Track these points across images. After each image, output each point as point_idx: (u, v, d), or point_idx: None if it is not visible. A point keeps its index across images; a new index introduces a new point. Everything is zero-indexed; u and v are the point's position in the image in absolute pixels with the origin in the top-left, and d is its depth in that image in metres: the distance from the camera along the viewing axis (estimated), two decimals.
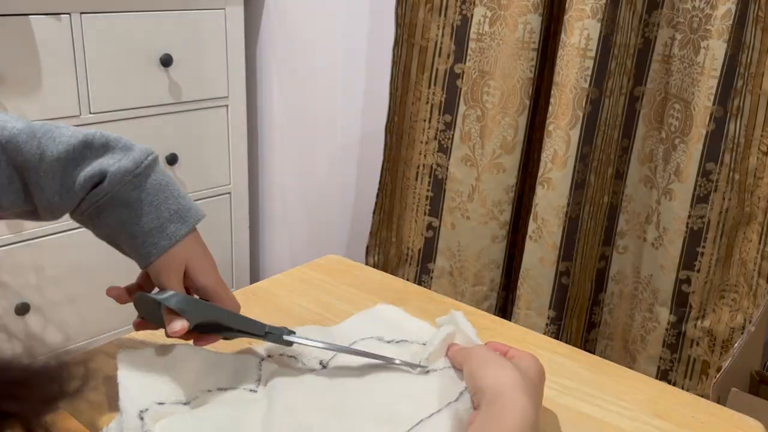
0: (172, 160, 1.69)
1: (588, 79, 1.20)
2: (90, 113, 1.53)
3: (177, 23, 1.63)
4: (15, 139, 0.62)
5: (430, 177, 1.47)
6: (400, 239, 1.56)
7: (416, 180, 1.50)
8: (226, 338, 0.70)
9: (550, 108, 1.26)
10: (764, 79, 1.13)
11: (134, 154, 0.66)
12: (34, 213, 0.67)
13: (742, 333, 1.20)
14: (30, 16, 1.40)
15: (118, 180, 0.65)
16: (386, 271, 1.50)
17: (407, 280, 1.41)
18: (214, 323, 0.67)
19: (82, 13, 1.47)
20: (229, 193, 1.86)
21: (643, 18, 1.22)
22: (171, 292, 0.66)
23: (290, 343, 0.68)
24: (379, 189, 1.55)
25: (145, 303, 0.69)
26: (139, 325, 0.72)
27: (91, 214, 0.66)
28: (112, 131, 1.65)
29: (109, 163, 0.65)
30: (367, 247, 1.59)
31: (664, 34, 1.22)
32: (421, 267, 1.53)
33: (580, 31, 1.19)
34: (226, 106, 1.79)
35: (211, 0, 1.68)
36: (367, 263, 1.58)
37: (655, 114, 1.26)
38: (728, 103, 1.14)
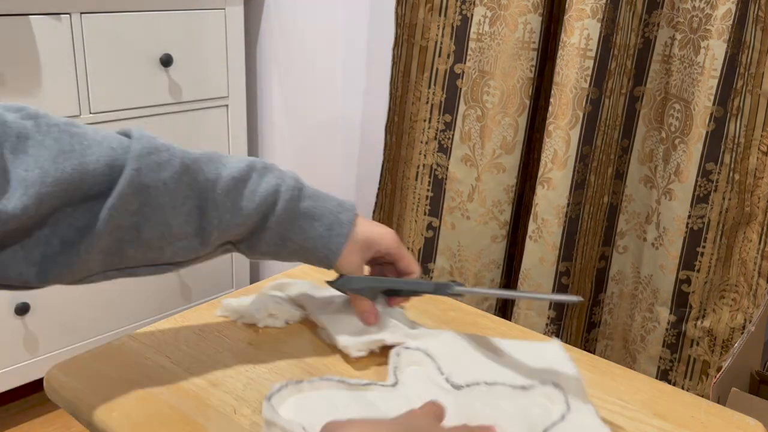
0: None
1: (588, 79, 1.21)
2: (90, 113, 1.53)
3: (177, 23, 1.63)
4: (198, 161, 0.69)
5: (430, 177, 1.47)
6: (400, 239, 1.56)
7: (416, 180, 1.50)
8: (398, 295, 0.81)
9: (550, 108, 1.26)
10: (764, 79, 1.13)
11: (289, 174, 0.77)
12: (198, 237, 0.70)
13: (742, 333, 1.20)
14: (30, 16, 1.40)
15: (291, 195, 0.74)
16: None
17: None
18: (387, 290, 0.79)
19: (82, 13, 1.47)
20: None
21: (643, 18, 1.22)
22: (342, 279, 0.77)
23: (459, 294, 0.77)
24: (379, 189, 1.55)
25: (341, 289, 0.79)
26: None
27: (280, 239, 0.73)
28: (111, 131, 1.64)
29: (276, 181, 0.75)
30: None
31: (664, 34, 1.22)
32: (421, 267, 1.53)
33: (580, 31, 1.19)
34: (226, 106, 1.79)
35: (211, 0, 1.68)
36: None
37: (655, 114, 1.26)
38: (728, 103, 1.14)
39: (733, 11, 1.10)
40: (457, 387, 0.69)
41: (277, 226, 0.73)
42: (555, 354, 0.74)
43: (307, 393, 0.67)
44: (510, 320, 1.11)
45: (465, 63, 1.37)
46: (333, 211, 0.77)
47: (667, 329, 1.28)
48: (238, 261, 1.93)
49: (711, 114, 1.15)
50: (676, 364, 1.29)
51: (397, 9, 1.42)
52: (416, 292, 0.80)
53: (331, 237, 0.75)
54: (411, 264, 0.80)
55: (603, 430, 0.63)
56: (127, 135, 0.68)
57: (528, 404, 0.66)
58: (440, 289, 0.77)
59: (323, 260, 0.75)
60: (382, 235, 0.79)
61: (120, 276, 0.68)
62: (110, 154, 0.64)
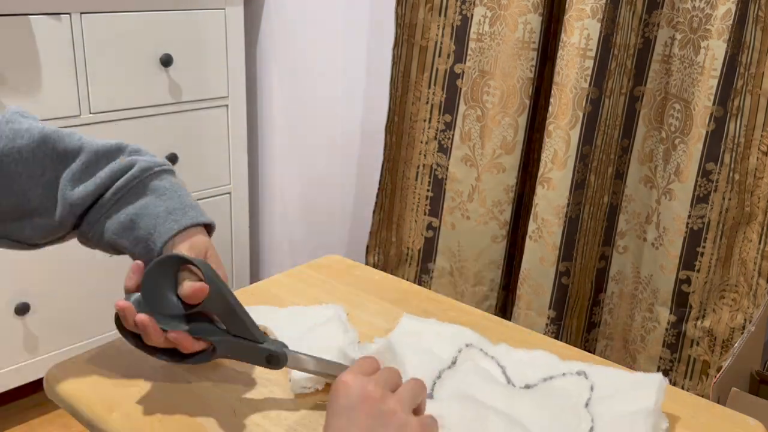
0: (172, 160, 1.69)
1: (588, 79, 1.21)
2: (90, 113, 1.53)
3: (177, 23, 1.63)
4: (58, 132, 0.68)
5: (430, 177, 1.47)
6: (400, 239, 1.56)
7: (416, 180, 1.50)
8: (210, 351, 0.64)
9: (550, 108, 1.26)
10: (764, 79, 1.13)
11: (160, 158, 0.73)
12: (49, 215, 0.69)
13: (742, 333, 1.20)
14: (30, 16, 1.40)
15: (147, 167, 0.70)
16: (386, 271, 1.50)
17: (407, 280, 1.42)
18: (219, 309, 0.63)
19: (82, 13, 1.47)
20: (229, 193, 1.86)
21: (643, 18, 1.22)
22: (200, 259, 0.65)
23: (284, 360, 0.64)
24: (379, 189, 1.55)
25: (161, 269, 0.64)
26: (122, 308, 0.63)
27: (117, 202, 0.69)
28: (112, 131, 1.64)
29: (139, 159, 0.71)
30: (367, 247, 1.59)
31: (664, 34, 1.22)
32: (421, 267, 1.53)
33: (580, 31, 1.19)
34: (226, 106, 1.79)
35: (211, 0, 1.68)
36: (367, 263, 1.58)
37: (655, 114, 1.26)
38: (728, 103, 1.14)
39: (733, 11, 1.10)
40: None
41: (117, 190, 0.69)
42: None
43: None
44: (510, 320, 1.11)
45: (465, 63, 1.37)
46: (185, 203, 0.70)
47: (667, 329, 1.28)
48: (239, 261, 1.93)
49: (711, 114, 1.15)
50: (676, 364, 1.29)
51: (397, 9, 1.42)
52: (243, 339, 0.64)
53: (167, 220, 0.68)
54: None
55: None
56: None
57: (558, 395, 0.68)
58: (268, 344, 0.64)
59: (149, 241, 0.68)
60: (219, 265, 0.68)
61: None
62: None
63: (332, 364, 0.66)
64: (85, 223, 0.70)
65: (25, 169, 0.66)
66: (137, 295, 0.64)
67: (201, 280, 0.63)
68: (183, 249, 0.67)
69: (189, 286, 0.62)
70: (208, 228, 0.72)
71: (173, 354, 0.64)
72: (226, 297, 0.63)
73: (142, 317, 0.61)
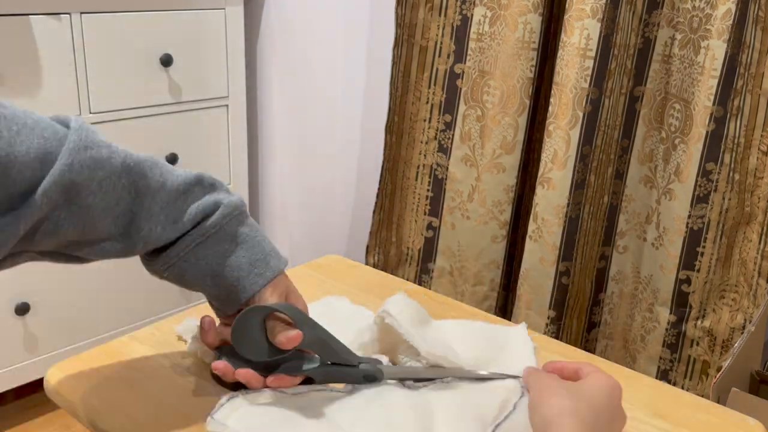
0: (172, 160, 1.69)
1: (588, 79, 1.21)
2: (90, 113, 1.53)
3: (177, 23, 1.63)
4: (142, 165, 0.63)
5: (430, 177, 1.47)
6: (400, 239, 1.56)
7: (416, 180, 1.50)
8: (308, 378, 0.67)
9: (550, 108, 1.26)
10: (764, 79, 1.13)
11: (236, 196, 0.70)
12: (113, 240, 0.64)
13: (742, 333, 1.20)
14: (30, 16, 1.40)
15: (228, 213, 0.67)
16: (386, 271, 1.50)
17: (407, 280, 1.42)
18: (314, 345, 0.66)
19: (82, 12, 1.47)
20: None
21: (643, 18, 1.22)
22: (284, 304, 0.67)
23: (380, 377, 0.68)
24: (379, 189, 1.55)
25: (250, 322, 0.65)
26: (220, 369, 0.66)
27: (196, 246, 0.66)
28: (112, 131, 1.64)
29: (219, 198, 0.68)
30: (367, 247, 1.59)
31: (664, 34, 1.22)
32: (421, 267, 1.53)
33: (580, 31, 1.19)
34: (226, 106, 1.79)
35: (211, 0, 1.68)
36: (367, 263, 1.58)
37: (655, 114, 1.26)
38: (728, 103, 1.14)
39: (733, 11, 1.10)
40: (415, 388, 0.69)
41: (198, 237, 0.66)
42: (519, 339, 0.76)
43: (256, 405, 0.65)
44: (510, 320, 1.11)
45: (465, 63, 1.37)
46: (266, 250, 0.69)
47: (667, 329, 1.28)
48: None
49: (711, 114, 1.15)
50: (676, 364, 1.29)
51: (397, 9, 1.42)
52: (338, 365, 0.68)
53: (250, 273, 0.67)
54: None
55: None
56: (64, 124, 0.60)
57: (486, 398, 0.67)
58: (364, 366, 0.68)
59: (231, 292, 0.68)
60: (299, 300, 0.70)
61: (26, 260, 0.64)
62: (42, 145, 0.56)
63: (428, 369, 0.70)
64: (159, 261, 0.67)
65: (102, 200, 0.61)
66: (226, 348, 0.68)
67: (289, 323, 0.65)
68: (268, 297, 0.67)
69: (284, 336, 0.64)
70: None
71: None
72: (317, 334, 0.66)
73: (242, 372, 0.65)
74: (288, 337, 0.64)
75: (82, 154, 0.58)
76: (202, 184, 0.67)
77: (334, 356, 0.67)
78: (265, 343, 0.66)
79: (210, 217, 0.66)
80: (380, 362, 0.69)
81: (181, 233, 0.66)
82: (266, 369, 0.66)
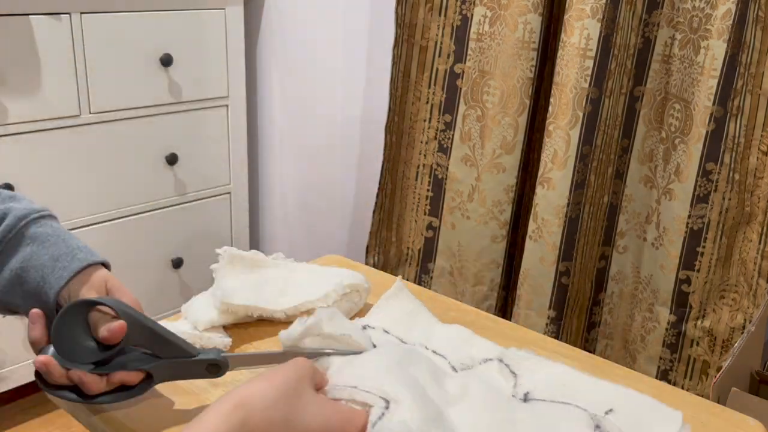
0: (172, 160, 1.69)
1: (588, 78, 1.20)
2: (90, 113, 1.53)
3: (177, 23, 1.63)
4: None
5: (430, 177, 1.47)
6: (400, 239, 1.56)
7: (416, 180, 1.50)
8: (146, 380, 0.63)
9: (550, 108, 1.26)
10: (764, 79, 1.13)
11: (38, 205, 0.68)
12: None
13: (742, 333, 1.20)
14: (30, 16, 1.40)
15: (23, 215, 0.66)
16: (386, 271, 1.50)
17: (407, 280, 1.41)
18: (143, 340, 0.62)
19: (82, 12, 1.47)
20: (229, 193, 1.86)
21: (643, 18, 1.22)
22: (109, 297, 0.63)
23: (225, 366, 0.63)
24: (379, 189, 1.55)
25: (70, 319, 0.60)
26: (45, 364, 0.59)
27: None
28: (112, 131, 1.65)
29: (14, 205, 0.67)
30: (367, 247, 1.59)
31: (664, 34, 1.22)
32: (421, 267, 1.53)
33: (580, 30, 1.19)
34: (226, 105, 1.79)
35: (211, 0, 1.68)
36: (367, 263, 1.58)
37: (655, 114, 1.26)
38: (728, 103, 1.14)
39: (733, 11, 1.10)
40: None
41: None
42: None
43: None
44: (510, 320, 1.11)
45: (465, 63, 1.37)
46: (72, 246, 0.66)
47: (667, 329, 1.28)
48: None
49: (711, 114, 1.15)
50: (676, 364, 1.29)
51: (397, 9, 1.42)
52: (174, 357, 0.63)
53: (54, 268, 0.64)
54: None
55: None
56: None
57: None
58: (203, 356, 0.63)
59: (41, 294, 0.65)
60: (124, 292, 0.66)
61: None
62: None
63: (274, 354, 0.67)
64: None
65: None
66: (51, 347, 0.61)
67: (114, 317, 0.61)
68: (83, 292, 0.64)
69: (106, 328, 0.59)
70: (104, 264, 0.68)
71: (115, 392, 0.62)
72: (146, 325, 0.61)
73: (75, 373, 0.59)
74: (111, 329, 0.59)
75: None
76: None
77: (169, 349, 0.62)
78: (91, 342, 0.61)
79: (2, 223, 0.66)
80: (221, 351, 0.65)
81: None
82: (98, 369, 0.60)
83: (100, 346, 0.61)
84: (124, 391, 0.62)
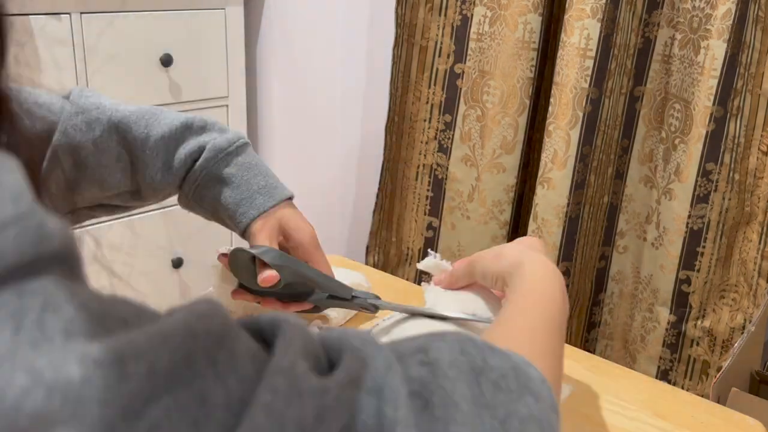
0: None
1: (588, 79, 1.20)
2: None
3: (177, 23, 1.63)
4: (126, 119, 0.69)
5: (430, 177, 1.47)
6: (400, 239, 1.56)
7: (416, 180, 1.49)
8: (314, 306, 0.73)
9: (550, 108, 1.26)
10: (764, 79, 1.13)
11: (228, 135, 0.74)
12: (137, 193, 0.73)
13: (742, 333, 1.20)
14: (30, 16, 1.40)
15: (212, 156, 0.72)
16: (386, 271, 1.50)
17: (407, 280, 1.41)
18: (302, 282, 0.71)
19: (82, 12, 1.46)
20: None
21: (643, 18, 1.22)
22: (265, 247, 0.70)
23: (376, 308, 0.72)
24: (379, 189, 1.55)
25: (240, 260, 0.70)
26: (235, 294, 0.74)
27: (195, 195, 0.73)
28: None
29: (206, 140, 0.72)
30: (367, 247, 1.59)
31: (664, 34, 1.22)
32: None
33: (580, 31, 1.19)
34: (226, 106, 1.79)
35: (211, 0, 1.68)
36: (367, 263, 1.58)
37: (655, 114, 1.26)
38: (728, 103, 1.14)
39: (733, 11, 1.10)
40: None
41: (191, 182, 0.73)
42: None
43: None
44: None
45: (465, 63, 1.37)
46: (253, 188, 0.74)
47: (667, 329, 1.28)
48: None
49: (711, 114, 1.15)
50: (676, 364, 1.29)
51: (397, 9, 1.42)
52: (333, 298, 0.73)
53: (236, 213, 0.73)
54: (324, 269, 0.75)
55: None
56: (66, 96, 0.71)
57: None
58: (358, 300, 0.73)
59: (231, 227, 0.75)
60: (299, 228, 0.75)
61: (86, 218, 0.73)
62: (46, 119, 0.67)
63: (415, 309, 0.74)
64: (181, 201, 0.76)
65: (102, 158, 0.69)
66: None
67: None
68: (257, 232, 0.72)
69: (260, 277, 0.68)
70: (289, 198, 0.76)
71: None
72: (301, 272, 0.70)
73: (265, 300, 0.72)
74: (263, 277, 0.67)
75: (74, 120, 0.67)
76: (191, 128, 0.72)
77: (327, 290, 0.72)
78: (254, 281, 0.69)
79: (197, 161, 0.72)
80: (377, 297, 0.73)
81: (181, 176, 0.72)
82: (280, 295, 0.72)
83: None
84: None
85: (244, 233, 0.74)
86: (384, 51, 1.48)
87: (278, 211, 0.74)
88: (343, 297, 0.72)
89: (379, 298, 0.74)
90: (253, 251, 0.69)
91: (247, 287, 0.73)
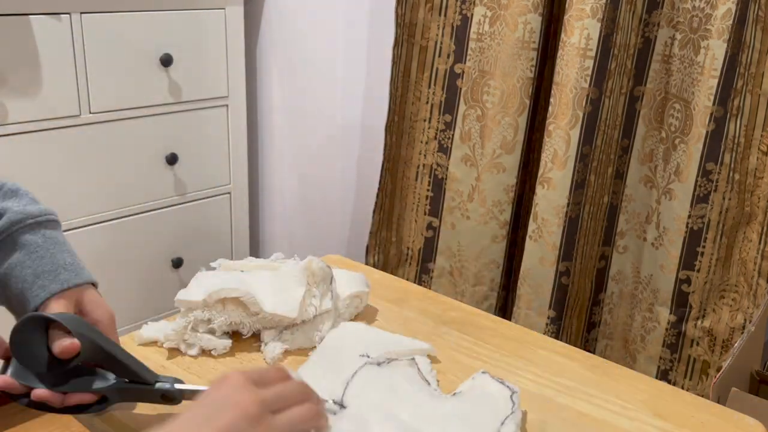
0: (172, 159, 1.69)
1: (588, 78, 1.20)
2: (90, 113, 1.53)
3: (177, 23, 1.63)
4: None
5: (430, 177, 1.47)
6: (400, 239, 1.56)
7: (416, 180, 1.49)
8: (100, 398, 0.62)
9: (550, 108, 1.26)
10: (764, 79, 1.13)
11: (39, 206, 0.66)
12: None
13: (742, 333, 1.20)
14: (30, 16, 1.40)
15: (18, 220, 0.64)
16: (386, 271, 1.50)
17: (407, 279, 1.41)
18: (97, 362, 0.62)
19: (82, 12, 1.46)
20: (229, 192, 1.86)
21: (643, 18, 1.22)
22: (65, 313, 0.62)
23: (180, 398, 0.62)
24: (379, 189, 1.55)
25: (29, 329, 0.60)
26: (6, 384, 0.61)
27: None
28: (112, 131, 1.64)
29: (12, 205, 0.65)
30: (367, 247, 1.59)
31: (664, 33, 1.22)
32: (421, 267, 1.53)
33: (580, 30, 1.19)
34: (226, 105, 1.79)
35: (211, 0, 1.68)
36: (367, 263, 1.58)
37: (655, 114, 1.26)
38: (728, 103, 1.14)
39: (733, 11, 1.10)
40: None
41: None
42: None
43: None
44: (510, 320, 1.11)
45: (465, 63, 1.37)
46: (58, 263, 0.64)
47: (667, 329, 1.27)
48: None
49: (711, 114, 1.15)
50: (676, 364, 1.29)
51: (397, 9, 1.42)
52: (134, 383, 0.62)
53: (33, 285, 0.63)
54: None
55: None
56: None
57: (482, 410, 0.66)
58: (160, 386, 0.62)
59: (20, 303, 0.64)
60: (100, 305, 0.65)
61: None
62: None
63: None
64: None
65: None
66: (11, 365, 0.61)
67: (70, 335, 0.60)
68: (54, 308, 0.63)
69: (58, 345, 0.59)
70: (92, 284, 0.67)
71: (75, 408, 0.63)
72: (102, 347, 0.60)
73: (38, 392, 0.60)
74: (62, 347, 0.59)
75: None
76: (1, 189, 0.66)
77: (127, 373, 0.62)
78: (45, 353, 0.60)
79: None
80: (179, 381, 0.63)
81: None
82: (56, 385, 0.61)
83: (56, 360, 0.60)
84: (82, 407, 0.62)
85: (38, 309, 0.63)
86: (384, 51, 1.48)
87: (82, 291, 0.65)
88: (145, 382, 0.62)
89: (183, 382, 0.63)
90: (52, 315, 0.59)
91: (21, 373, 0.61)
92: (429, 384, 0.69)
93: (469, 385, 0.70)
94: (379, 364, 0.70)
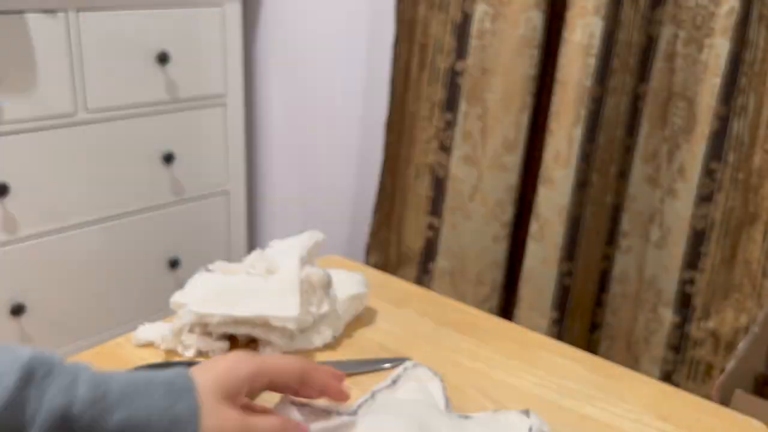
0: (168, 159, 1.68)
1: (591, 77, 1.20)
2: (86, 112, 1.52)
3: (174, 21, 1.62)
4: None
5: (430, 176, 1.46)
6: (400, 239, 1.55)
7: (417, 179, 1.49)
8: None
9: (552, 106, 1.25)
10: None
11: (80, 373, 0.51)
12: None
13: (746, 334, 1.19)
14: (25, 14, 1.39)
15: (89, 418, 0.49)
16: (386, 271, 1.49)
17: (407, 280, 1.40)
18: None
19: (78, 10, 1.46)
20: (227, 192, 1.85)
21: (646, 15, 1.21)
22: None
23: None
24: (379, 189, 1.54)
25: None
26: None
27: None
28: (108, 129, 1.63)
29: (59, 400, 0.49)
30: (367, 247, 1.58)
31: (667, 31, 1.21)
32: (421, 267, 1.52)
33: (583, 28, 1.18)
34: (224, 104, 1.78)
35: None
36: (367, 263, 1.57)
37: (659, 112, 1.25)
38: (732, 102, 1.13)
39: (737, 9, 1.09)
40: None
41: None
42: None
43: None
44: (512, 321, 1.11)
45: (466, 60, 1.36)
46: (161, 408, 0.51)
47: (670, 330, 1.27)
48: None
49: (715, 113, 1.14)
50: (680, 365, 1.28)
51: (397, 6, 1.41)
52: None
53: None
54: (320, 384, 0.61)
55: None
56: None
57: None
58: None
59: None
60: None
61: None
62: None
63: None
64: None
65: None
66: None
67: None
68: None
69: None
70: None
71: None
72: None
73: None
74: None
75: None
76: (33, 379, 0.49)
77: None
78: None
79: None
80: None
81: None
82: None
83: None
84: None
85: None
86: (384, 49, 1.47)
87: (207, 388, 0.55)
88: None
89: None
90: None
91: None
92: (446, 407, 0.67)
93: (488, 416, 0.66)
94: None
